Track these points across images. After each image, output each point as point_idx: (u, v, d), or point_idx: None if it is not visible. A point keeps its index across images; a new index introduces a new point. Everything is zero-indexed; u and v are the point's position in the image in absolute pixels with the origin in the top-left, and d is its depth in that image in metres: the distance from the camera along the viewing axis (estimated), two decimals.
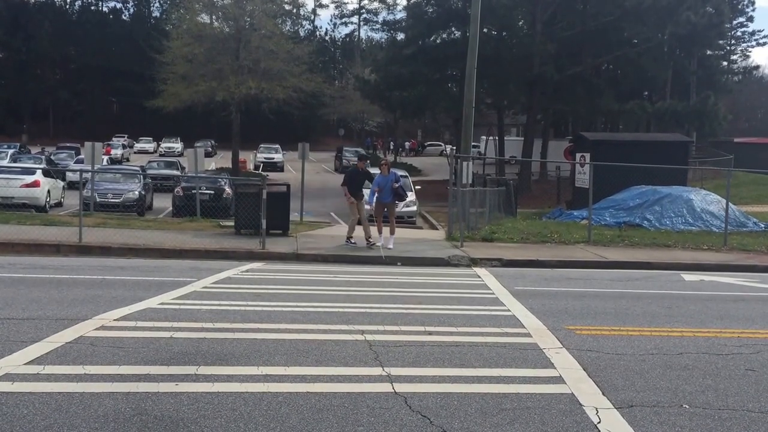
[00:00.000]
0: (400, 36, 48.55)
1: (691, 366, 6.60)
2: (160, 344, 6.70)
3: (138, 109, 67.23)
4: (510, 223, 21.89)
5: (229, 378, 5.81)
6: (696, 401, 5.61)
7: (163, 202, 26.33)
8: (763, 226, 22.95)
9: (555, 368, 6.41)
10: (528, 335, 7.68)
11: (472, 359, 6.63)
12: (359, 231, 16.00)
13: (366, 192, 16.47)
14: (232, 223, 17.58)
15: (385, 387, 5.72)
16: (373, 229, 15.89)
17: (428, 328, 7.81)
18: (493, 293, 10.61)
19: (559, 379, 6.09)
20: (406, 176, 24.64)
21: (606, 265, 14.75)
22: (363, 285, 11.00)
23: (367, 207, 18.60)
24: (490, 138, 47.16)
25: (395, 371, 6.12)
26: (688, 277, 13.47)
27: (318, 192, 34.53)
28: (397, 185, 15.72)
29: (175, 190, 23.93)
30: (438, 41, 42.61)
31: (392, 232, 15.74)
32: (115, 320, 7.63)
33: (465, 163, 20.13)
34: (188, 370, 5.97)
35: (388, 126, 69.37)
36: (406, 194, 16.33)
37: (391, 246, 15.32)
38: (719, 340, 7.68)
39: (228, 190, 23.55)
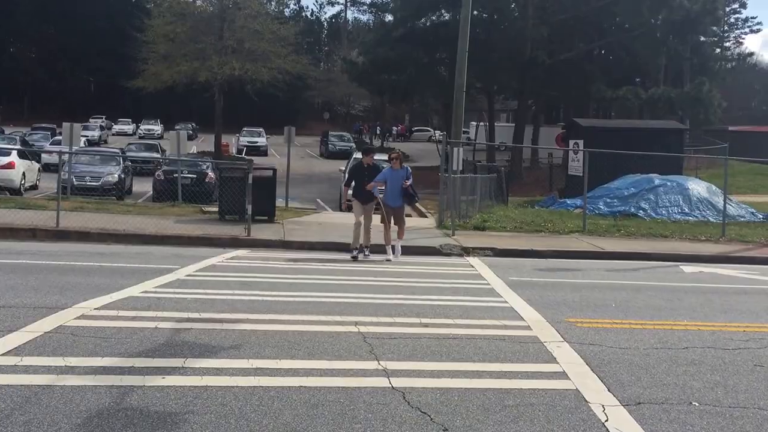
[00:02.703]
0: (389, 18, 48.27)
1: (698, 361, 6.53)
2: (144, 335, 6.54)
3: (116, 90, 66.44)
4: (501, 212, 21.80)
5: (218, 371, 5.66)
6: (705, 398, 5.54)
7: (143, 186, 26.03)
8: (761, 216, 23.02)
9: (557, 363, 6.32)
10: (528, 328, 7.59)
11: (470, 353, 6.52)
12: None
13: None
14: (215, 209, 17.36)
15: (381, 381, 5.60)
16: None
17: (423, 320, 7.69)
18: (488, 284, 10.51)
19: (562, 375, 6.00)
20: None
21: (602, 256, 14.70)
22: (353, 274, 10.87)
23: (350, 194, 18.40)
24: (481, 124, 47.07)
25: (391, 365, 6.00)
26: (688, 268, 13.44)
27: (303, 178, 34.33)
28: (408, 183, 12.97)
29: (156, 173, 23.64)
30: (427, 24, 42.35)
31: (401, 237, 13.31)
32: (96, 309, 7.45)
33: (456, 149, 19.98)
34: (175, 362, 5.82)
35: (375, 110, 69.14)
36: (417, 195, 13.55)
37: (398, 255, 12.99)
38: (725, 334, 7.62)
39: (211, 174, 23.29)
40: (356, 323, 7.36)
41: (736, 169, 40.92)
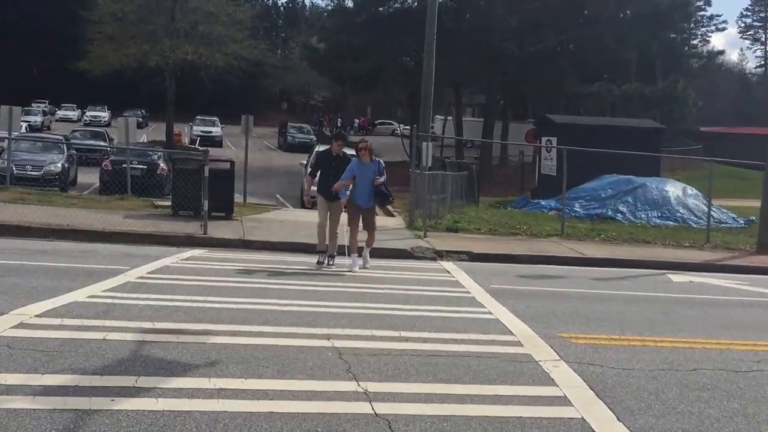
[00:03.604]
0: (349, 2, 47.63)
1: (711, 385, 6.20)
2: (91, 348, 5.96)
3: (60, 73, 64.57)
4: (473, 212, 21.54)
5: (176, 392, 5.14)
6: (725, 429, 5.19)
7: (88, 177, 25.07)
8: (742, 221, 23.15)
9: (557, 386, 5.92)
10: (519, 344, 7.19)
11: (460, 373, 6.09)
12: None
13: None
14: (168, 203, 16.68)
15: (363, 407, 5.14)
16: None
17: (403, 333, 7.24)
18: (468, 292, 10.12)
19: (564, 400, 5.61)
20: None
21: (584, 262, 14.46)
22: (321, 278, 10.39)
23: (313, 188, 17.53)
24: (449, 118, 46.80)
25: (372, 387, 5.54)
26: (676, 278, 13.26)
27: (261, 171, 33.54)
28: (381, 180, 11.29)
29: (103, 163, 22.77)
30: (390, 10, 41.84)
31: (370, 245, 11.74)
32: (36, 316, 6.85)
33: (425, 144, 19.61)
34: (126, 381, 5.28)
35: (336, 101, 68.49)
36: (392, 195, 11.80)
37: (367, 265, 11.51)
38: (733, 354, 7.33)
39: (163, 165, 22.52)
40: (329, 336, 6.88)
41: (711, 172, 41.36)
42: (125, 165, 20.31)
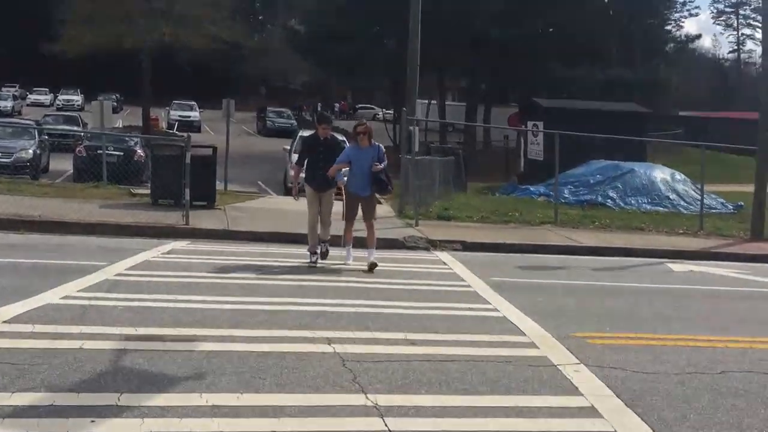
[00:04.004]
0: None
1: (743, 391, 5.74)
2: (66, 359, 5.37)
3: (32, 56, 62.99)
4: (462, 199, 21.06)
5: (164, 411, 4.58)
6: None
7: (61, 164, 24.20)
8: (731, 207, 22.88)
9: (582, 394, 5.43)
10: (533, 345, 6.69)
11: (475, 381, 5.58)
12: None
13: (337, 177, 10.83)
14: (146, 191, 16.00)
15: (375, 424, 4.62)
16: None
17: (409, 335, 6.71)
18: (468, 285, 9.61)
19: (592, 411, 5.11)
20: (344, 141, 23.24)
21: (581, 251, 14.01)
22: (313, 272, 9.82)
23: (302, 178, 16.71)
24: (433, 102, 46.18)
25: (383, 400, 5.01)
26: (675, 267, 12.86)
27: (241, 157, 32.67)
28: (381, 166, 10.21)
29: (77, 149, 21.93)
30: None
31: (371, 243, 10.44)
32: (4, 322, 6.24)
33: (413, 129, 19.07)
34: (107, 398, 4.71)
35: (316, 85, 67.54)
36: (391, 184, 10.73)
37: (374, 259, 10.27)
38: (757, 353, 6.90)
39: (140, 151, 21.78)
40: (329, 340, 6.33)
41: (692, 157, 41.14)
42: (100, 151, 19.53)
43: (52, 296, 7.22)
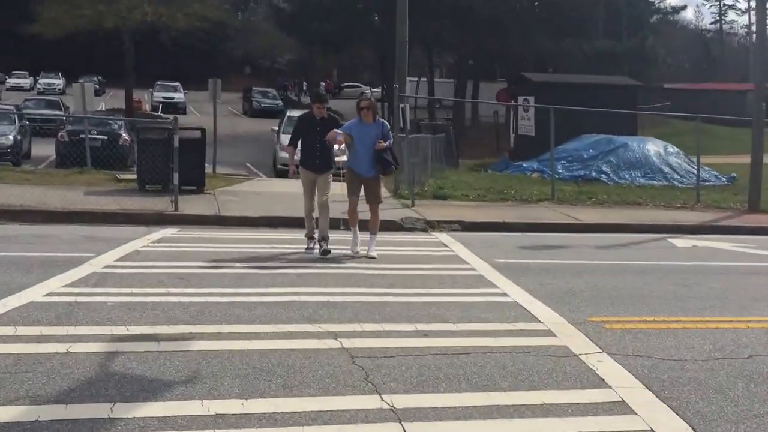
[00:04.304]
0: None
1: None
2: (52, 365, 4.92)
3: (9, 38, 61.61)
4: (455, 176, 20.62)
5: (162, 423, 4.16)
6: None
7: (43, 150, 23.51)
8: (724, 179, 22.61)
9: (610, 387, 5.05)
10: (550, 333, 6.31)
11: (495, 375, 5.18)
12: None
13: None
14: (132, 176, 15.47)
15: (393, 429, 4.21)
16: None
17: (419, 326, 6.30)
18: (473, 268, 9.21)
19: (624, 407, 4.73)
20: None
21: (581, 228, 13.66)
22: (311, 260, 9.34)
23: (282, 154, 15.28)
24: (422, 79, 45.55)
25: (399, 401, 4.61)
26: (677, 242, 12.53)
27: (228, 138, 32.13)
28: (386, 144, 9.47)
29: (59, 134, 21.26)
30: None
31: (374, 230, 9.78)
32: None
33: (403, 106, 18.61)
34: (98, 409, 4.28)
35: (301, 64, 66.61)
36: (396, 163, 10.03)
37: (373, 253, 9.52)
38: None
39: (125, 135, 21.14)
40: (336, 334, 5.91)
41: (679, 129, 40.89)
42: (83, 136, 18.91)
43: (35, 293, 6.74)
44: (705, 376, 5.39)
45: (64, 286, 7.10)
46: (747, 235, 14.00)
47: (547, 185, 18.61)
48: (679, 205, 16.89)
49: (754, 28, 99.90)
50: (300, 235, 10.87)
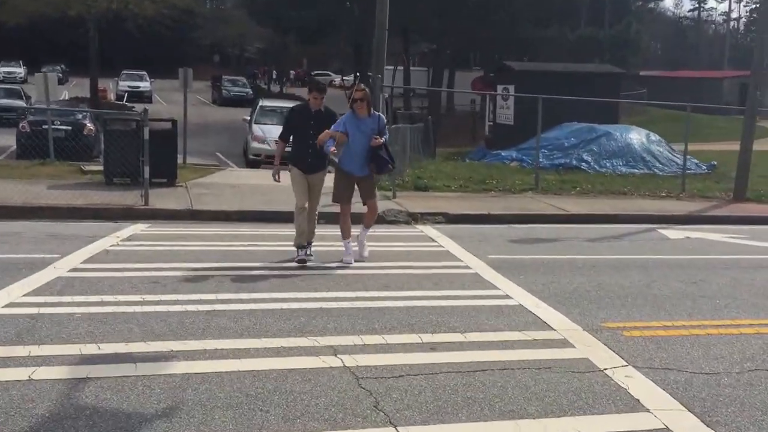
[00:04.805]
0: None
1: None
2: (10, 398, 4.19)
3: None
4: (433, 166, 19.99)
5: None
6: None
7: (3, 140, 22.40)
8: (705, 167, 22.32)
9: (648, 410, 4.49)
10: (566, 343, 5.72)
11: (519, 398, 4.58)
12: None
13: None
14: (98, 168, 14.60)
15: None
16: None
17: (424, 337, 5.68)
18: (467, 266, 8.60)
19: None
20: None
21: (569, 219, 13.15)
22: (292, 256, 8.56)
23: (254, 144, 14.54)
24: (399, 68, 44.78)
25: None
26: (669, 233, 12.06)
27: (198, 128, 31.14)
28: (381, 140, 8.39)
29: (20, 125, 20.18)
30: None
31: (367, 225, 8.75)
32: None
33: (382, 96, 17.97)
34: None
35: (272, 52, 65.34)
36: (393, 161, 8.76)
37: (365, 253, 8.67)
38: None
39: (90, 125, 20.15)
40: (335, 349, 5.26)
41: (653, 116, 40.84)
42: (46, 126, 17.92)
43: None
44: (745, 393, 4.85)
45: (25, 295, 6.33)
46: (735, 224, 13.64)
47: (528, 174, 18.17)
48: (664, 194, 16.51)
49: (733, 15, 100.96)
50: (276, 229, 10.21)
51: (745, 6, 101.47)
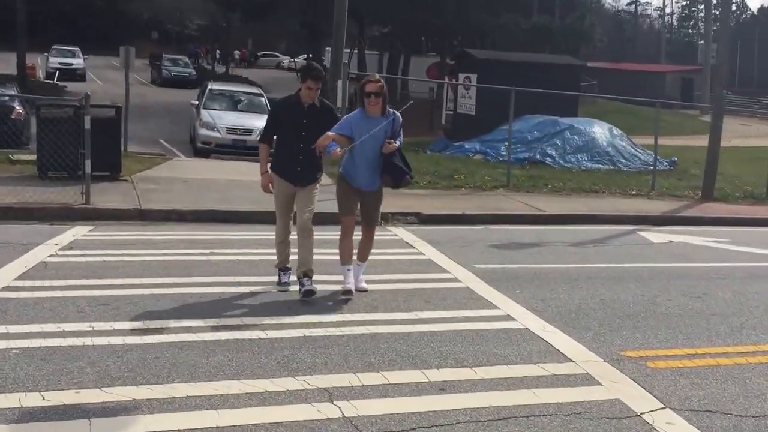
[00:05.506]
0: None
1: None
2: None
3: None
4: None
5: None
6: None
7: None
8: (666, 163, 22.22)
9: None
10: (590, 379, 5.15)
11: None
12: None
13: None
14: (28, 157, 13.50)
15: None
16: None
17: (430, 375, 5.01)
18: (455, 278, 7.98)
19: None
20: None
21: (546, 220, 12.70)
22: (261, 268, 7.82)
23: (202, 131, 14.02)
24: (354, 51, 43.88)
25: None
26: (652, 237, 11.72)
27: (137, 110, 29.63)
28: (395, 145, 6.86)
29: None
30: None
31: (362, 258, 7.34)
32: None
33: (339, 82, 17.29)
34: None
35: (214, 30, 63.56)
36: (410, 171, 7.27)
37: (364, 285, 7.15)
38: None
39: (18, 108, 18.81)
40: (329, 394, 4.56)
41: (604, 108, 40.94)
42: None
43: None
44: None
45: None
46: (709, 226, 13.51)
47: (494, 168, 17.76)
48: (634, 193, 16.32)
49: (668, 10, 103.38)
50: (235, 232, 9.43)
51: (676, 2, 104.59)
